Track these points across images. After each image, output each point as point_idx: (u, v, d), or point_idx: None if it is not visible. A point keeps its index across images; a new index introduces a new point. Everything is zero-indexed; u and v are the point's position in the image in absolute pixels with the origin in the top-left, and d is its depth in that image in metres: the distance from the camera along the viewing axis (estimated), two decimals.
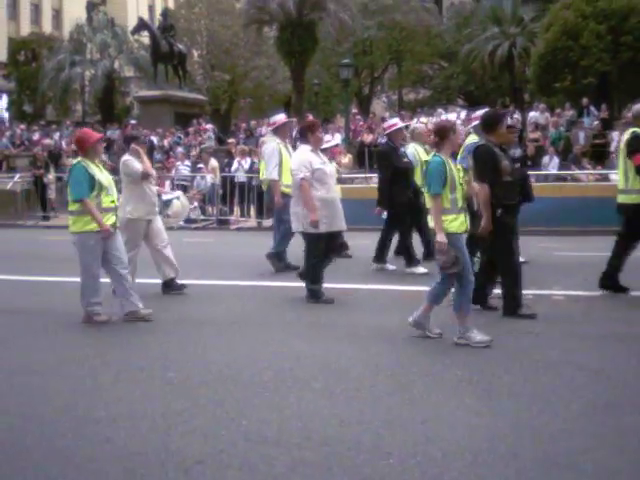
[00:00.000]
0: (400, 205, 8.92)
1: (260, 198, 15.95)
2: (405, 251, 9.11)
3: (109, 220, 6.50)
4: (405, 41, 39.87)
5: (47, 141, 21.99)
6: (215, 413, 4.14)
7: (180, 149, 19.51)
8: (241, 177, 16.60)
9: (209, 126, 24.40)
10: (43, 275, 9.28)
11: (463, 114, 25.73)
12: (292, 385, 4.60)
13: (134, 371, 4.99)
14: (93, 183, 6.45)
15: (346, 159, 18.24)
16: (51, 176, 18.93)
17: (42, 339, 6.02)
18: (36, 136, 25.26)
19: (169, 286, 7.86)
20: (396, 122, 9.72)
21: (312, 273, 7.28)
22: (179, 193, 10.68)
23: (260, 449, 3.62)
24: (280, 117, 9.87)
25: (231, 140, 20.96)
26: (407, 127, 10.80)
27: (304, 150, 7.37)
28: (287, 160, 8.98)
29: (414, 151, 9.56)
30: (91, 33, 39.66)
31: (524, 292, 6.50)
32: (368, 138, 21.12)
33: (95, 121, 36.64)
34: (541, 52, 26.12)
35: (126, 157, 7.67)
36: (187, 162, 18.36)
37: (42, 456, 3.59)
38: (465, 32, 38.11)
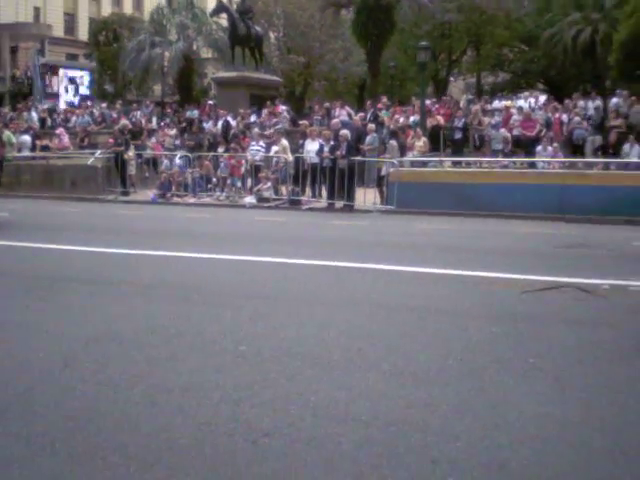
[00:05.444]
0: None
1: (332, 179, 16.01)
2: None
3: None
4: (485, 24, 39.12)
5: (123, 121, 22.49)
6: (284, 388, 4.19)
7: (256, 129, 19.68)
8: (313, 158, 16.65)
9: (283, 107, 24.51)
10: (122, 248, 9.54)
11: (542, 98, 25.22)
12: (361, 365, 4.61)
13: (207, 343, 5.09)
14: None
15: (420, 142, 18.07)
16: (131, 153, 19.39)
17: (120, 308, 6.20)
18: (115, 115, 25.89)
19: None
20: None
21: None
22: None
23: (327, 426, 3.65)
24: None
25: (303, 122, 21.01)
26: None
27: None
28: None
29: None
30: (171, 14, 40.24)
31: (600, 282, 6.37)
32: (441, 120, 20.83)
33: (174, 101, 37.31)
34: (623, 39, 25.34)
35: None
36: (261, 142, 18.51)
37: (114, 424, 3.69)
38: (546, 17, 37.17)
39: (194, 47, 39.79)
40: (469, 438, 3.52)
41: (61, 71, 43.57)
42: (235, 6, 30.78)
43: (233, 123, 21.99)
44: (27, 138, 22.86)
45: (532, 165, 16.92)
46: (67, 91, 44.26)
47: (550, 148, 17.36)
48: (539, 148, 17.62)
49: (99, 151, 20.42)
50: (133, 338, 5.23)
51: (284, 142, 17.57)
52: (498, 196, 14.34)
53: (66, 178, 19.48)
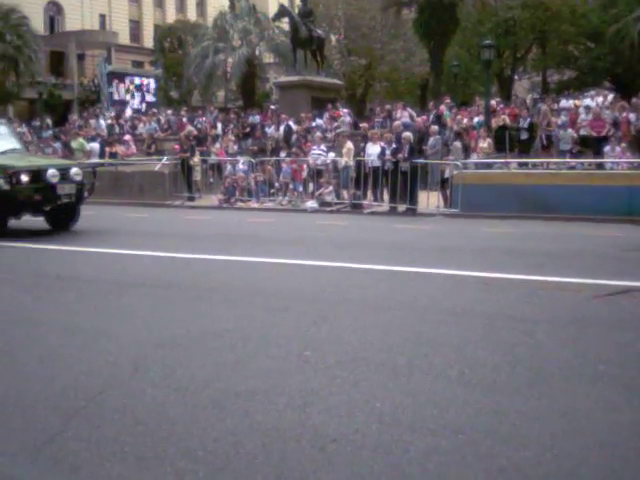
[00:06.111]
0: None
1: (395, 182, 15.95)
2: None
3: None
4: (550, 21, 38.43)
5: (188, 127, 22.90)
6: (350, 394, 4.18)
7: (318, 133, 19.76)
8: (374, 161, 16.61)
9: (345, 110, 24.54)
10: (188, 252, 9.72)
11: (610, 97, 24.60)
12: (427, 371, 4.58)
13: (272, 347, 5.12)
14: None
15: (485, 143, 17.85)
16: (196, 159, 19.72)
17: (186, 312, 6.30)
18: (183, 120, 26.34)
19: None
20: None
21: None
22: None
23: (394, 433, 3.63)
24: None
25: (364, 124, 21.00)
26: None
27: None
28: None
29: None
30: (233, 20, 40.75)
31: None
32: (507, 120, 20.48)
33: (236, 106, 37.76)
34: None
35: None
36: (322, 146, 18.58)
37: (183, 428, 3.73)
38: (611, 12, 36.27)
39: (257, 52, 40.21)
40: (538, 446, 3.46)
41: (127, 78, 44.59)
42: (297, 10, 30.95)
43: (295, 127, 22.13)
44: (95, 145, 23.48)
45: (600, 166, 16.52)
46: (133, 98, 45.23)
47: (618, 148, 16.92)
48: (607, 148, 17.20)
49: (166, 157, 20.83)
50: (200, 342, 5.31)
51: (349, 144, 17.56)
52: (565, 198, 14.05)
53: (134, 184, 19.90)
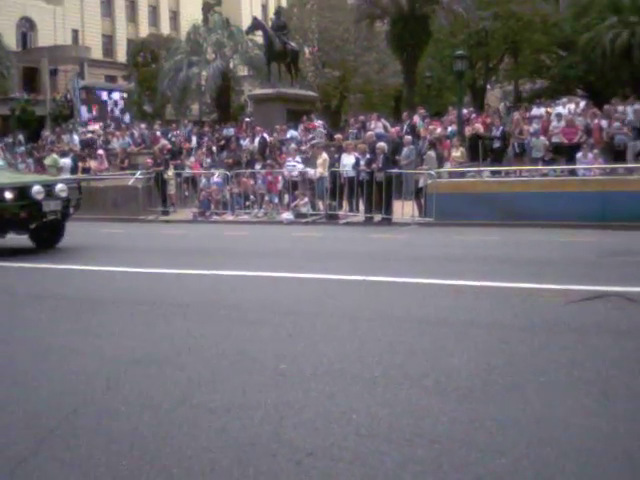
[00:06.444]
0: None
1: (370, 192, 16.01)
2: None
3: None
4: (522, 31, 38.86)
5: (162, 141, 22.88)
6: (326, 406, 4.16)
7: (293, 145, 19.81)
8: (349, 172, 16.68)
9: (319, 122, 24.63)
10: (162, 267, 9.65)
11: (582, 104, 24.91)
12: (402, 381, 4.57)
13: (247, 362, 5.08)
14: None
15: (458, 152, 17.97)
16: (170, 173, 19.67)
17: (160, 328, 6.24)
18: (156, 134, 26.27)
19: None
20: None
21: None
22: None
23: (371, 444, 3.61)
24: None
25: (338, 135, 21.11)
26: None
27: None
28: None
29: None
30: (207, 33, 40.78)
31: None
32: (480, 129, 20.63)
33: (211, 119, 37.72)
34: None
35: None
36: (298, 158, 18.62)
37: (158, 447, 3.68)
38: (583, 21, 36.76)
39: (231, 65, 40.24)
40: (514, 454, 3.46)
41: (102, 93, 44.52)
42: (270, 23, 31.04)
43: (269, 139, 22.16)
44: (67, 161, 23.31)
45: (572, 172, 16.70)
46: (106, 112, 45.09)
47: (590, 155, 17.12)
48: (579, 155, 17.39)
49: (139, 172, 20.75)
50: (174, 359, 5.26)
51: (324, 155, 17.65)
52: (539, 205, 14.19)
53: (107, 199, 19.81)
